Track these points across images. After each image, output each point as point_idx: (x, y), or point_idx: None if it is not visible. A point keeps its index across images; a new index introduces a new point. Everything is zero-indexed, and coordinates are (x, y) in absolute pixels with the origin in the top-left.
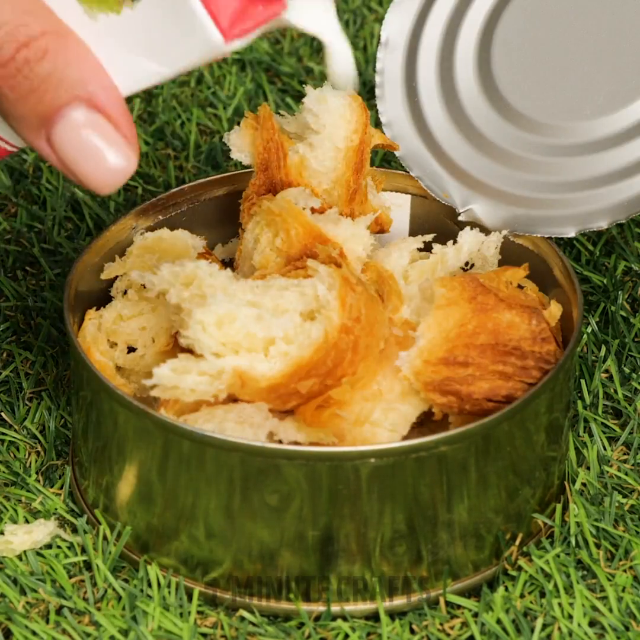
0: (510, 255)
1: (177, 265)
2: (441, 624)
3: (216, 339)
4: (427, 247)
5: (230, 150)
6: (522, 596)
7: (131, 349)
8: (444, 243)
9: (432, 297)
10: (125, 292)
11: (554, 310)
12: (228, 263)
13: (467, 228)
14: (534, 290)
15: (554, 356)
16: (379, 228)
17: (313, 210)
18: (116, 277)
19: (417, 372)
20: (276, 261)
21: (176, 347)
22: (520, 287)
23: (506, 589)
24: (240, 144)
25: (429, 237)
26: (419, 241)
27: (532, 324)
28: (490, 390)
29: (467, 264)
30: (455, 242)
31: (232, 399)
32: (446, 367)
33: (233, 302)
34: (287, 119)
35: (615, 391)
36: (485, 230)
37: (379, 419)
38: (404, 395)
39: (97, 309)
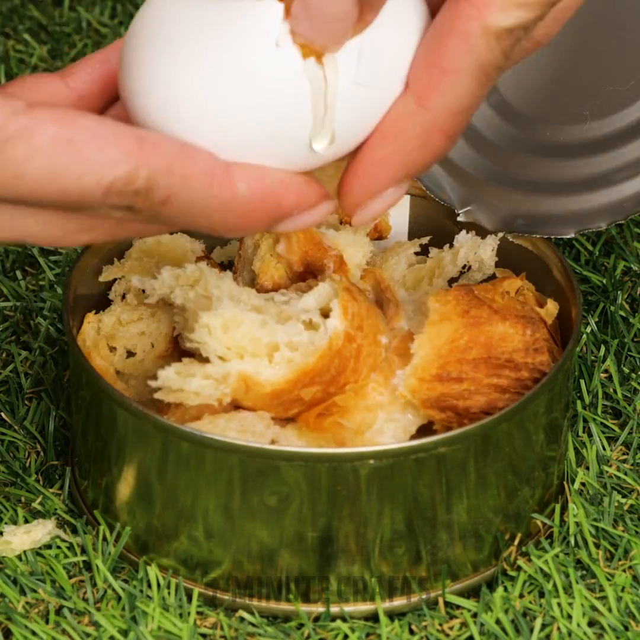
0: (509, 255)
1: (177, 268)
2: (440, 625)
3: (222, 343)
4: (424, 249)
5: None
6: (521, 596)
7: (130, 354)
8: (443, 244)
9: (427, 312)
10: (123, 296)
11: (551, 308)
12: (227, 266)
13: (463, 232)
14: (531, 289)
15: (547, 366)
16: (378, 235)
17: None
18: (115, 280)
19: (412, 390)
20: (276, 267)
21: (176, 351)
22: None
23: (505, 589)
24: None
25: (425, 240)
26: (415, 245)
27: (526, 334)
28: (486, 403)
29: (464, 266)
30: (451, 245)
31: (234, 407)
32: (441, 383)
33: (239, 307)
34: None
35: (615, 391)
36: (482, 234)
37: (379, 429)
38: (404, 406)
39: (97, 312)
